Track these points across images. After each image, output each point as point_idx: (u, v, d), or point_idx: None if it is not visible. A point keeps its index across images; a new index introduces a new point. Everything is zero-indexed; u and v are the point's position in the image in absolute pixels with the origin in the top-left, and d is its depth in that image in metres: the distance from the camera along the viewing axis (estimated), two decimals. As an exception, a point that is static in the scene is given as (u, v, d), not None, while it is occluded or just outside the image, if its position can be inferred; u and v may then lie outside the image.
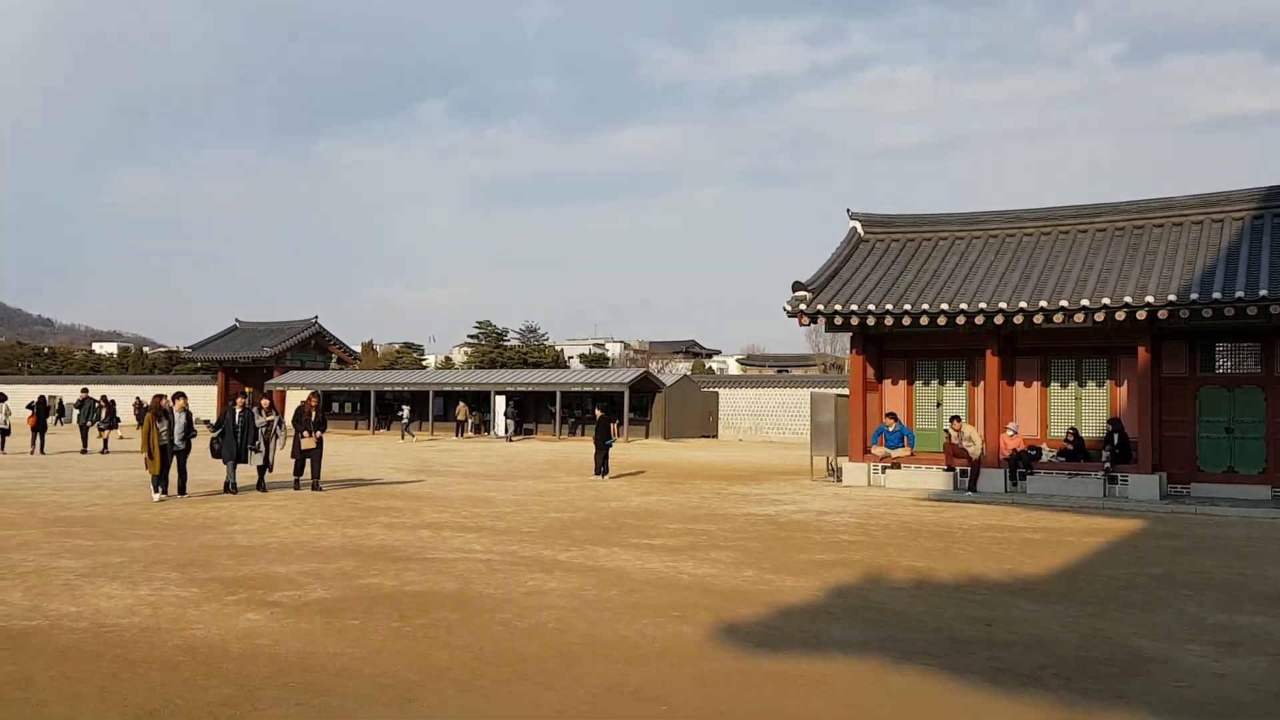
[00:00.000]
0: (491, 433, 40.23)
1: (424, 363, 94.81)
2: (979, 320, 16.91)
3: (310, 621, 7.21)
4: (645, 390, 37.93)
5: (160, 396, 15.14)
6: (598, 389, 38.62)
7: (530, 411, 42.25)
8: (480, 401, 41.90)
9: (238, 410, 15.74)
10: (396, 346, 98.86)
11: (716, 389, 42.67)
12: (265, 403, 16.30)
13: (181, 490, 15.10)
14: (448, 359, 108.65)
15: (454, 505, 14.90)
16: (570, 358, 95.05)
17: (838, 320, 17.96)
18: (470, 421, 41.01)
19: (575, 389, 38.90)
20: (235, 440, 15.52)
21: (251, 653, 6.37)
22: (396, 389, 43.63)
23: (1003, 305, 16.77)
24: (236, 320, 54.54)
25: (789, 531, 12.54)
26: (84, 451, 26.86)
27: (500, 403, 39.99)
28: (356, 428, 44.96)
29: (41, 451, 25.85)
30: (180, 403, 15.37)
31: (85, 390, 31.38)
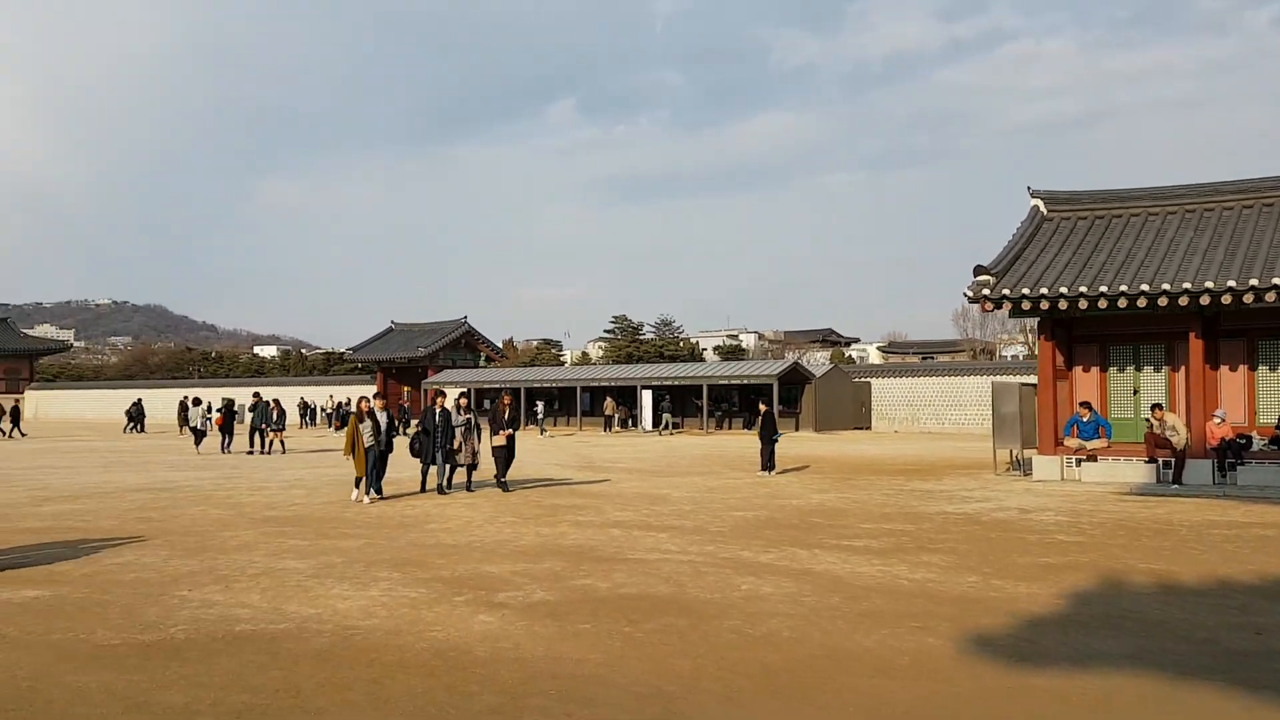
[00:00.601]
0: (639, 427, 40.37)
1: (561, 359, 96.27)
2: (1182, 301, 15.74)
3: (543, 625, 7.19)
4: (794, 382, 37.31)
5: (363, 399, 15.49)
6: (746, 381, 38.23)
7: (675, 405, 42.25)
8: (626, 396, 42.15)
9: (437, 409, 15.75)
10: (535, 343, 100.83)
11: (868, 379, 41.62)
12: (463, 401, 16.28)
13: (378, 490, 15.24)
14: (584, 354, 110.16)
15: (632, 503, 14.86)
16: (704, 350, 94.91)
17: (1025, 305, 17.04)
18: (617, 416, 41.32)
19: (722, 382, 38.62)
20: (436, 439, 15.60)
21: (497, 657, 6.37)
22: (547, 385, 44.33)
23: (1209, 284, 15.56)
24: (392, 322, 56.61)
25: (997, 532, 11.93)
26: (255, 452, 27.43)
27: (648, 397, 40.09)
28: (554, 423, 45.80)
29: (228, 451, 27.31)
30: (380, 403, 15.73)
31: (257, 394, 33.00)
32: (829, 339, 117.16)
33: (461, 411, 16.00)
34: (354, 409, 15.43)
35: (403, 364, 53.85)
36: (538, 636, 6.88)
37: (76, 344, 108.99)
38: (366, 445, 14.63)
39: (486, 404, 43.00)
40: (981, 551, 10.53)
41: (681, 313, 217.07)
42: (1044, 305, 17.07)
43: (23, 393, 72.14)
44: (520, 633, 6.98)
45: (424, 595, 8.23)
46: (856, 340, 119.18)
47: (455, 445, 15.60)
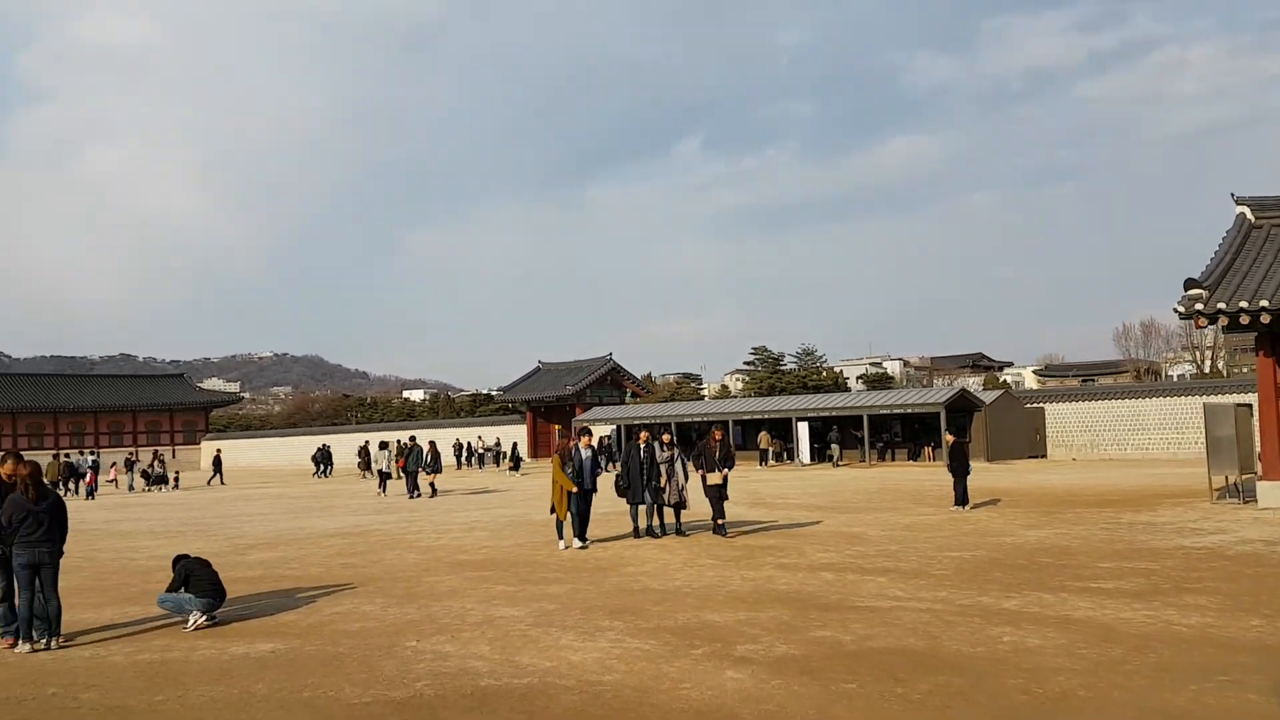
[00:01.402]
0: (796, 460, 39.38)
1: (701, 392, 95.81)
2: None
3: (800, 683, 6.63)
4: (963, 409, 35.64)
5: (565, 438, 14.73)
6: (910, 410, 36.79)
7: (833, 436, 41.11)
8: (778, 429, 41.24)
9: (640, 445, 14.99)
10: (673, 378, 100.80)
11: (1042, 404, 39.41)
12: (666, 437, 15.57)
13: (581, 535, 14.25)
14: (724, 387, 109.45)
15: (830, 543, 14.14)
16: (848, 379, 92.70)
17: (1243, 319, 15.56)
18: (772, 450, 40.44)
19: (884, 411, 37.29)
20: (641, 478, 14.79)
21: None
22: (698, 420, 43.89)
23: None
24: (540, 362, 57.49)
25: (1252, 567, 10.72)
26: (413, 495, 27.23)
27: (804, 429, 39.09)
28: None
29: (415, 495, 27.73)
30: (585, 440, 14.79)
31: (413, 437, 33.57)
32: (979, 363, 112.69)
33: (665, 448, 15.15)
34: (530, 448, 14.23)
35: (551, 402, 54.48)
36: (801, 697, 6.32)
37: (243, 395, 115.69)
38: (570, 488, 13.87)
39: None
40: (1249, 590, 9.46)
41: (820, 342, 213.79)
42: (1264, 319, 15.56)
43: (199, 443, 76.70)
44: (780, 692, 6.44)
45: (656, 648, 7.80)
46: (1009, 364, 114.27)
47: (661, 484, 14.79)
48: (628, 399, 54.19)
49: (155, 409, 76.38)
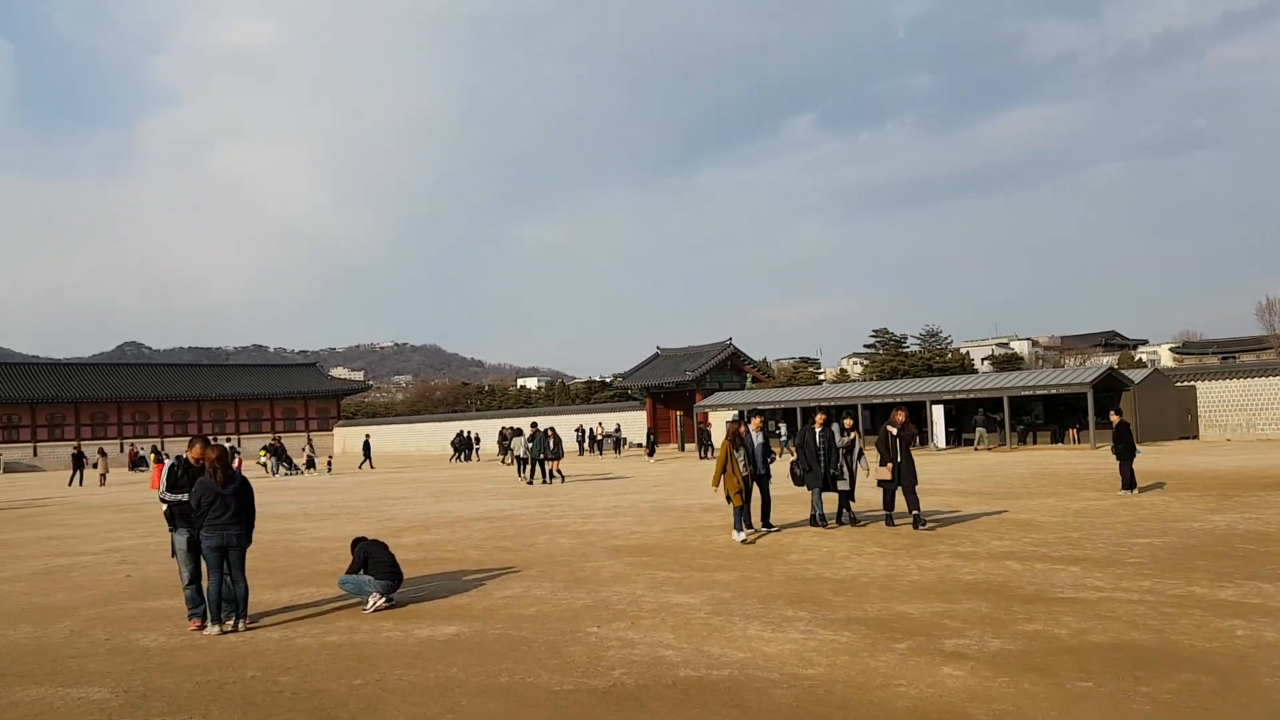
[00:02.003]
0: (931, 445, 38.10)
1: (819, 377, 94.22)
2: None
3: (1030, 682, 6.12)
4: (1110, 389, 33.79)
5: (735, 421, 13.65)
6: (1054, 391, 35.12)
7: (963, 419, 39.65)
8: (908, 413, 39.99)
9: (817, 429, 14.00)
10: (790, 362, 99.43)
11: (1193, 382, 37.09)
12: (848, 421, 14.71)
13: (765, 521, 13.81)
14: (842, 371, 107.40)
15: (1002, 530, 13.39)
16: (973, 360, 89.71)
17: None
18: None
19: (1026, 392, 35.68)
20: (820, 464, 13.85)
21: (1007, 723, 5.37)
22: (825, 404, 42.96)
23: None
24: (658, 348, 57.36)
25: None
26: (535, 481, 27.36)
27: (939, 413, 37.79)
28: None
29: (549, 480, 27.92)
30: (756, 422, 14.04)
31: (535, 424, 33.62)
32: (1112, 342, 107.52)
33: (845, 432, 14.31)
34: (725, 432, 13.26)
35: (670, 388, 54.26)
36: (1035, 697, 5.81)
37: (369, 384, 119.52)
38: (745, 473, 12.91)
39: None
40: None
41: (942, 323, 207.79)
42: None
43: (332, 430, 79.59)
44: (1010, 691, 5.95)
45: (854, 640, 7.38)
46: (1144, 342, 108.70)
47: (837, 470, 14.00)
48: (748, 384, 53.53)
49: (290, 397, 79.58)
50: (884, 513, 13.98)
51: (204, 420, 74.63)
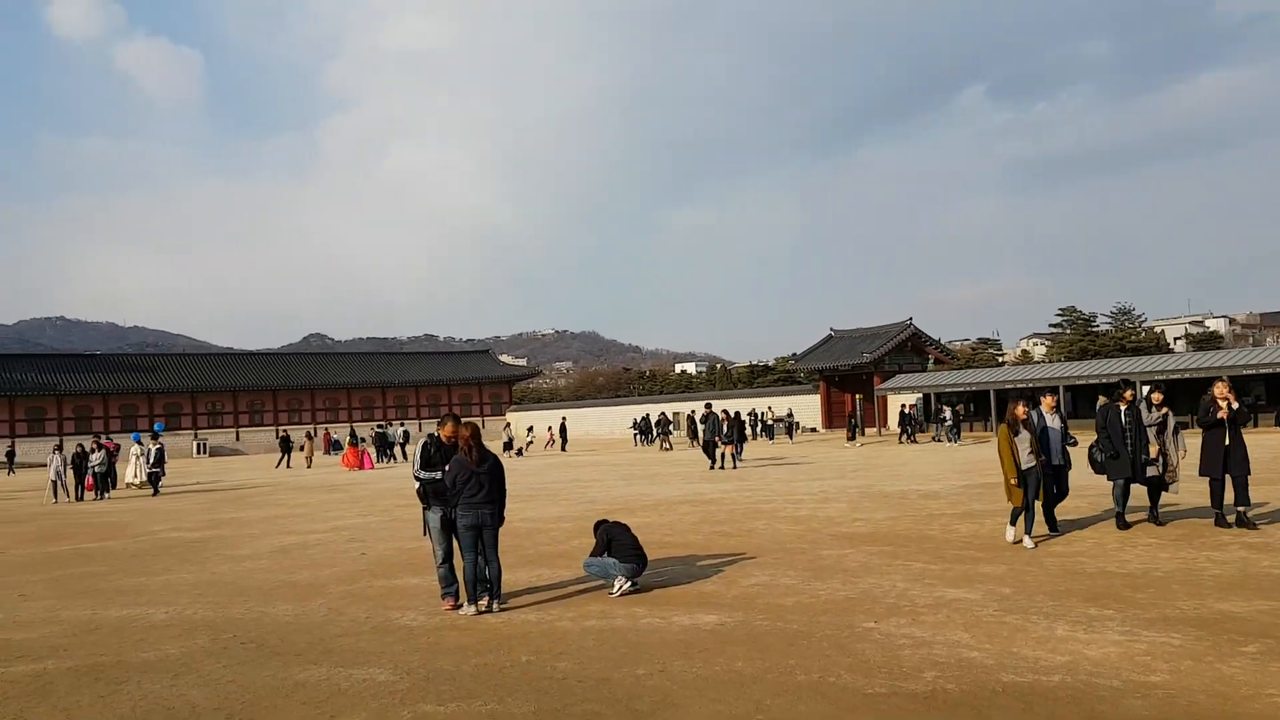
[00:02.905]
0: (1138, 429, 35.35)
1: (1000, 359, 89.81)
2: None
3: None
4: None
5: (1015, 401, 11.00)
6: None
7: (1170, 403, 36.57)
8: (1093, 395, 37.22)
9: (1122, 406, 11.70)
10: (969, 344, 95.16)
11: None
12: (1157, 395, 12.03)
13: (1048, 522, 11.46)
14: (1024, 353, 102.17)
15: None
16: (1167, 340, 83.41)
17: None
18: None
19: (1249, 372, 32.56)
20: (1125, 448, 11.52)
21: None
22: (1021, 385, 40.63)
23: None
24: (831, 329, 55.86)
25: None
26: (714, 466, 26.68)
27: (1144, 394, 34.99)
28: (970, 430, 42.81)
29: (713, 466, 27.49)
30: (1049, 401, 11.47)
31: (709, 405, 32.82)
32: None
33: (1154, 409, 11.77)
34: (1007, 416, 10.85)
35: (846, 371, 52.73)
36: None
37: (538, 370, 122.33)
38: (1024, 466, 10.61)
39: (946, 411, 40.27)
40: None
41: (1129, 300, 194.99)
42: None
43: (504, 415, 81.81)
44: None
45: (1188, 643, 6.44)
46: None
47: (1153, 455, 11.52)
48: (929, 366, 51.35)
49: (466, 383, 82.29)
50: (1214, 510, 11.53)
51: (388, 406, 78.10)
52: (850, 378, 53.34)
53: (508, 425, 46.64)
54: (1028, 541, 10.53)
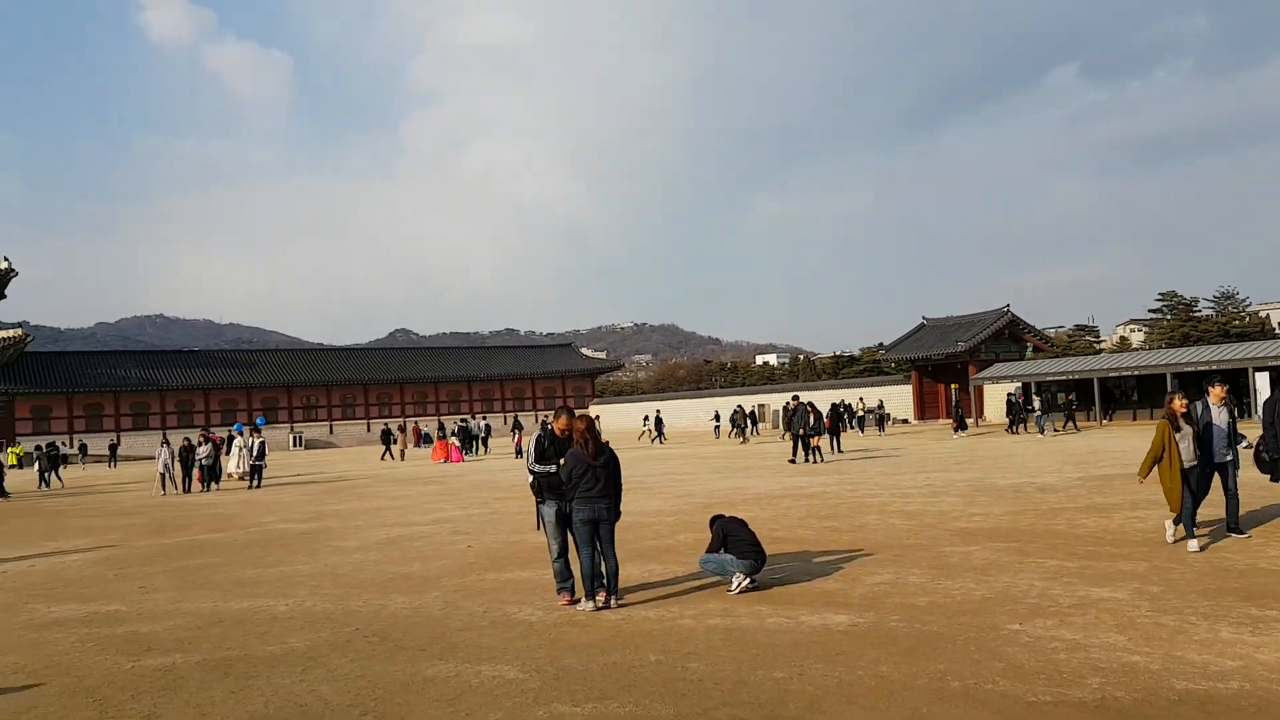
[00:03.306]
0: (1254, 416, 33.60)
1: (1098, 346, 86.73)
2: None
3: None
4: None
5: (1173, 394, 10.17)
6: None
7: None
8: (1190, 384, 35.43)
9: None
10: (1065, 331, 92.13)
11: None
12: None
13: (1232, 524, 10.15)
14: (1122, 339, 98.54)
15: None
16: (1273, 325, 79.40)
17: None
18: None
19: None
20: None
21: None
22: (1129, 372, 39.04)
23: None
24: (924, 318, 54.57)
25: None
26: (795, 460, 25.53)
27: (1263, 380, 33.25)
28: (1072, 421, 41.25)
29: (795, 459, 26.85)
30: (1217, 392, 10.12)
31: (796, 397, 31.78)
32: None
33: None
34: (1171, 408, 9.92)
35: (939, 360, 51.40)
36: None
37: (620, 363, 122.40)
38: (1187, 464, 9.71)
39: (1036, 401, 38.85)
40: None
41: (1234, 283, 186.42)
42: None
43: (587, 408, 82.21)
44: None
45: (1382, 652, 5.88)
46: None
47: None
48: (1027, 354, 49.72)
49: (549, 376, 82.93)
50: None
51: (473, 399, 79.18)
52: (943, 367, 52.00)
53: (596, 418, 46.49)
54: (1193, 544, 9.59)
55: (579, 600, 8.30)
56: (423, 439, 57.14)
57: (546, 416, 42.61)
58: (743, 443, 40.26)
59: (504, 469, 30.24)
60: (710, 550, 8.91)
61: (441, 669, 6.57)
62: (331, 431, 74.34)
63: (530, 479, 8.79)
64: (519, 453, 38.43)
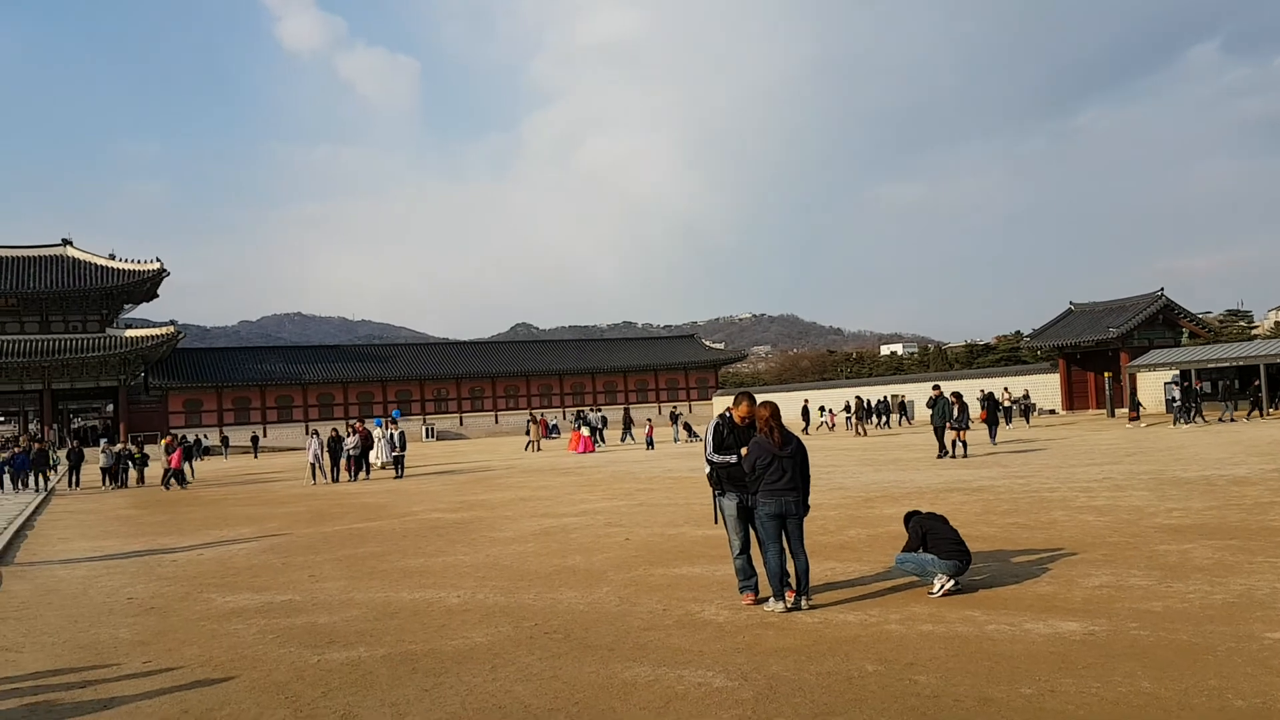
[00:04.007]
0: None
1: (1253, 332, 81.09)
2: None
3: None
4: None
5: None
6: None
7: None
8: None
9: None
10: (1217, 316, 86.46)
11: None
12: None
13: None
14: (1278, 324, 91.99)
15: None
16: None
17: None
18: None
19: None
20: None
21: None
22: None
23: None
24: (1071, 303, 51.85)
25: None
26: (944, 454, 23.79)
27: None
28: (1236, 409, 38.34)
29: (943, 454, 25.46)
30: None
31: (937, 387, 29.74)
32: None
33: None
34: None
35: (1089, 347, 48.71)
36: None
37: (744, 354, 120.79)
38: None
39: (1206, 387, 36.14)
40: None
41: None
42: None
43: (711, 399, 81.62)
44: None
45: None
46: None
47: None
48: (1183, 340, 46.61)
49: (672, 368, 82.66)
50: None
51: (597, 391, 79.59)
52: (1092, 355, 49.30)
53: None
54: None
55: (767, 600, 7.75)
56: (550, 430, 57.69)
57: (674, 408, 42.53)
58: (861, 435, 38.96)
59: (636, 460, 29.97)
60: (908, 549, 8.22)
61: (638, 672, 6.12)
62: (461, 423, 75.92)
63: (708, 470, 8.29)
64: (650, 443, 38.21)
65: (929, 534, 8.15)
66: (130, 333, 65.44)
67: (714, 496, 8.35)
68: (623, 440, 45.53)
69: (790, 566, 7.79)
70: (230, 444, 62.67)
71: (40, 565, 12.98)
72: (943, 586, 7.89)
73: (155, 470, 33.80)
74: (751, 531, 8.03)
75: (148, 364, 66.60)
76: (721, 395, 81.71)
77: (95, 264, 66.00)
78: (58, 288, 63.41)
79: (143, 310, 72.64)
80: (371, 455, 30.47)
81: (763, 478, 7.65)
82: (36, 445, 33.47)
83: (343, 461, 27.54)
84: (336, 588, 9.87)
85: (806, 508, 7.80)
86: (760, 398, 8.17)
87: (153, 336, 64.81)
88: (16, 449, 35.37)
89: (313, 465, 27.39)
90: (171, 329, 65.12)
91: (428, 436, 71.61)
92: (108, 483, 31.10)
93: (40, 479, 31.28)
